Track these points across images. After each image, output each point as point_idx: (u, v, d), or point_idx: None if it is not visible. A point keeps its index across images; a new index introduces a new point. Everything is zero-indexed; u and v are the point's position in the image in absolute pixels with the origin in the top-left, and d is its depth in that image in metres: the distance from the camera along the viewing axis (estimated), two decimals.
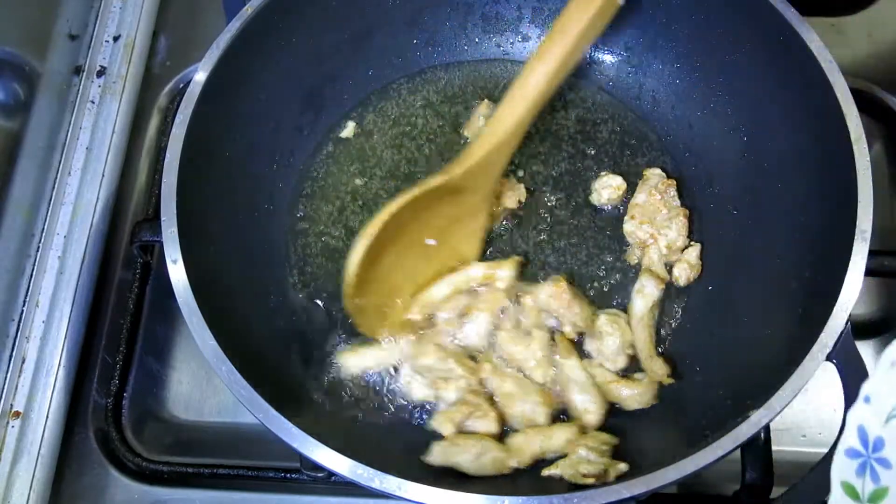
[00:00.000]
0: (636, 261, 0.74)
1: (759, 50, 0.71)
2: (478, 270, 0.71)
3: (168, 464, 0.73)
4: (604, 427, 0.66)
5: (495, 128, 0.66)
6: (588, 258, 0.75)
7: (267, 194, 0.76)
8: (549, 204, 0.77)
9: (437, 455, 0.62)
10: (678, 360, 0.70)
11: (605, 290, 0.74)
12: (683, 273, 0.72)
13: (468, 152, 0.67)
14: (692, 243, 0.74)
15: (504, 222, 0.76)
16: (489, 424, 0.64)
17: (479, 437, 0.63)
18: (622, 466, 0.58)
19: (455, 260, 0.72)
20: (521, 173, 0.79)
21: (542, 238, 0.76)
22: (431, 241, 0.70)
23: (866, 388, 0.52)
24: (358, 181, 0.79)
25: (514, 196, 0.75)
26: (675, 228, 0.73)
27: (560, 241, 0.76)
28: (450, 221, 0.70)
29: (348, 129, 0.80)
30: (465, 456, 0.61)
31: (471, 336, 0.68)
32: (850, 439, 0.52)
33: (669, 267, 0.73)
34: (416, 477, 0.53)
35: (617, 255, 0.75)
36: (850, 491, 0.53)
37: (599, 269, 0.75)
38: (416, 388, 0.68)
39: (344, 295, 0.66)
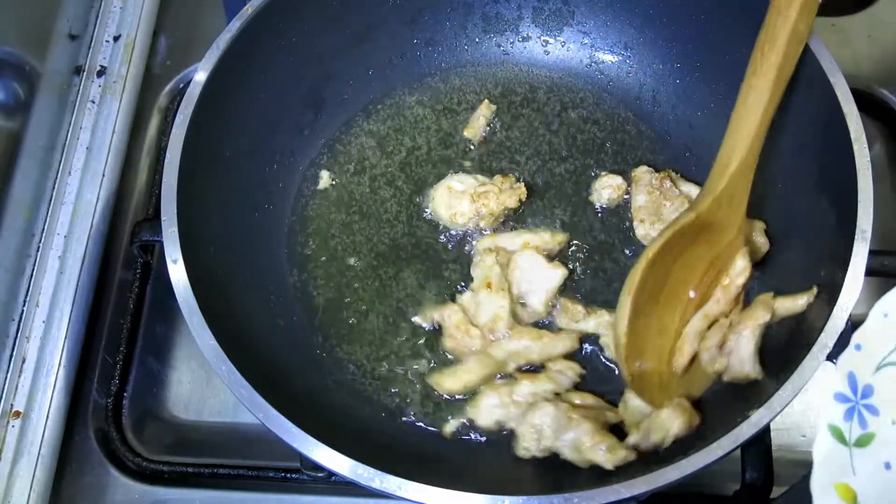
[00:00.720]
0: None
1: None
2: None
3: (168, 464, 0.73)
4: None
5: (731, 152, 0.63)
6: (590, 258, 0.75)
7: (267, 194, 0.76)
8: (549, 203, 0.77)
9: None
10: None
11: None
12: None
13: (711, 183, 0.63)
14: None
15: (504, 222, 0.76)
16: None
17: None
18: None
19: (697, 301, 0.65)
20: (520, 173, 0.79)
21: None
22: (693, 294, 0.64)
23: (857, 337, 0.53)
24: (358, 180, 0.79)
25: (514, 195, 0.75)
26: None
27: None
28: (707, 266, 0.64)
29: (323, 180, 0.79)
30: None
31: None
32: (840, 385, 0.53)
33: None
34: (416, 477, 0.53)
35: (620, 251, 0.75)
36: (838, 434, 0.55)
37: (605, 268, 0.75)
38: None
39: (619, 359, 0.61)
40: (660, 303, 0.62)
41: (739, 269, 0.64)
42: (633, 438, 0.62)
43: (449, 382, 0.67)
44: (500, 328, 0.68)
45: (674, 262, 0.62)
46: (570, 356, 0.69)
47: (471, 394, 0.68)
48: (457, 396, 0.68)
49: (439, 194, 0.76)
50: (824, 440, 0.57)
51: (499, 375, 0.68)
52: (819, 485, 0.58)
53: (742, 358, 0.62)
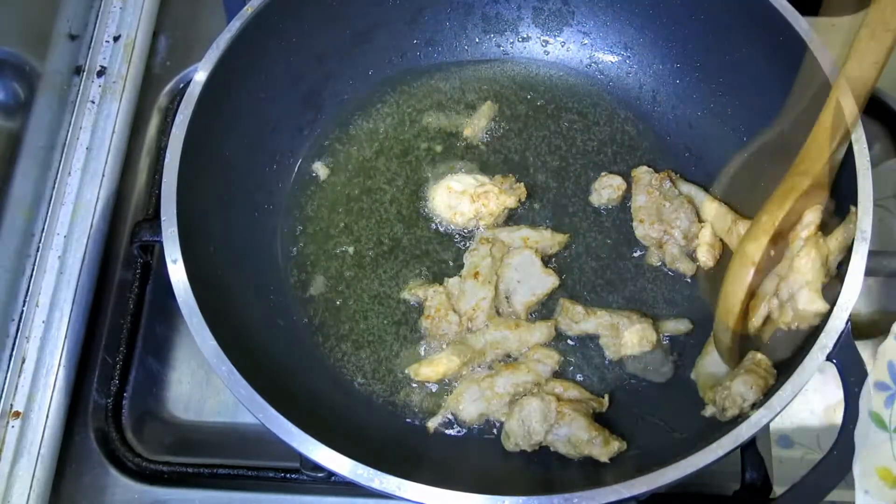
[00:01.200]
0: (658, 261, 0.74)
1: (759, 50, 0.71)
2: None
3: (168, 464, 0.73)
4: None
5: (840, 116, 0.62)
6: (588, 258, 0.75)
7: (267, 194, 0.76)
8: (548, 203, 0.77)
9: None
10: (679, 360, 0.70)
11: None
12: (707, 255, 0.71)
13: (818, 146, 0.62)
14: (702, 224, 0.73)
15: (504, 222, 0.76)
16: None
17: None
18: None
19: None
20: (520, 173, 0.79)
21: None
22: (773, 252, 0.62)
23: None
24: (358, 180, 0.79)
25: (514, 195, 0.75)
26: (684, 216, 0.72)
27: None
28: (796, 220, 0.62)
29: (324, 180, 0.79)
30: None
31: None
32: (881, 373, 0.53)
33: (692, 255, 0.73)
34: (416, 477, 0.53)
35: (619, 251, 0.75)
36: (879, 420, 0.57)
37: (605, 268, 0.75)
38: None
39: (723, 333, 0.60)
40: (762, 268, 0.60)
41: (806, 223, 0.62)
42: (708, 411, 0.61)
43: (426, 370, 0.68)
44: (479, 318, 0.69)
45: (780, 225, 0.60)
46: (547, 345, 0.70)
47: (447, 384, 0.69)
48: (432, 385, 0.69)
49: (439, 194, 0.76)
50: (865, 426, 0.58)
51: (478, 366, 0.68)
52: (861, 468, 0.60)
53: (807, 297, 0.60)
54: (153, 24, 0.93)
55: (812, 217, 0.62)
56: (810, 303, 0.59)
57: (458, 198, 0.75)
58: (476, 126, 0.80)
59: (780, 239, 0.60)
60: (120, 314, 0.79)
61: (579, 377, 0.70)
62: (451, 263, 0.75)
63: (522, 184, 0.76)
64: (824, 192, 0.62)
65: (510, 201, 0.74)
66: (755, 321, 0.61)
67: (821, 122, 0.62)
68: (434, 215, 0.76)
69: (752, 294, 0.59)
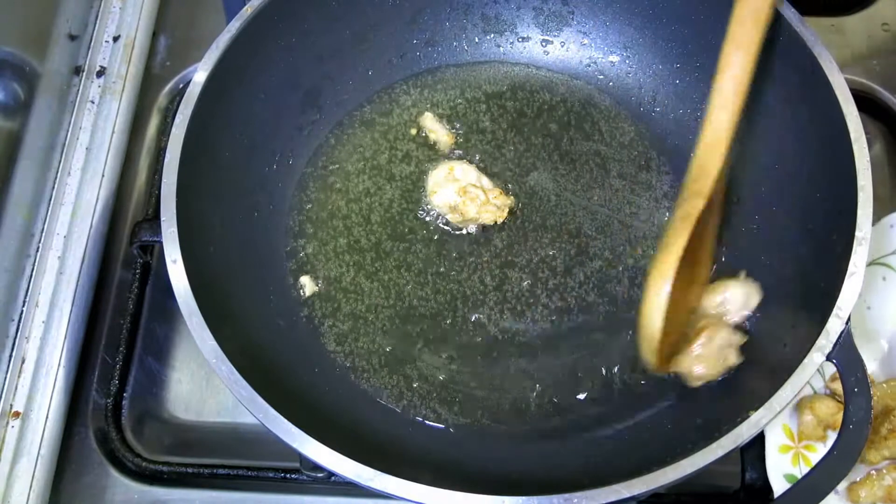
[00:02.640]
0: None
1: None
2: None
3: (168, 464, 0.73)
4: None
5: (721, 127, 0.65)
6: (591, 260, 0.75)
7: (267, 194, 0.76)
8: (547, 208, 0.77)
9: None
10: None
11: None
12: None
13: (707, 164, 0.64)
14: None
15: (496, 232, 0.76)
16: None
17: None
18: None
19: (700, 270, 0.68)
20: (514, 175, 0.79)
21: (545, 247, 0.76)
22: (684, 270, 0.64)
23: None
24: (358, 180, 0.79)
25: (493, 214, 0.75)
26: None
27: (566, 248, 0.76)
28: (697, 236, 0.65)
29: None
30: None
31: None
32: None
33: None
34: (416, 477, 0.53)
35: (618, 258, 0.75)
36: (786, 431, 0.67)
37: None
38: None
39: (644, 351, 0.62)
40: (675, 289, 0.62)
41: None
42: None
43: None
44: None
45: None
46: None
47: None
48: None
49: (439, 171, 0.76)
50: (780, 489, 0.64)
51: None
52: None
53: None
54: (153, 24, 0.93)
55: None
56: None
57: (451, 182, 0.75)
58: (441, 138, 0.80)
59: (691, 260, 0.62)
60: (120, 314, 0.79)
61: None
62: (453, 258, 0.75)
63: (509, 206, 0.76)
64: (718, 201, 0.66)
65: (486, 216, 0.74)
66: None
67: (704, 139, 0.65)
68: (426, 200, 0.77)
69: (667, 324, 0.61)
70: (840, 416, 0.66)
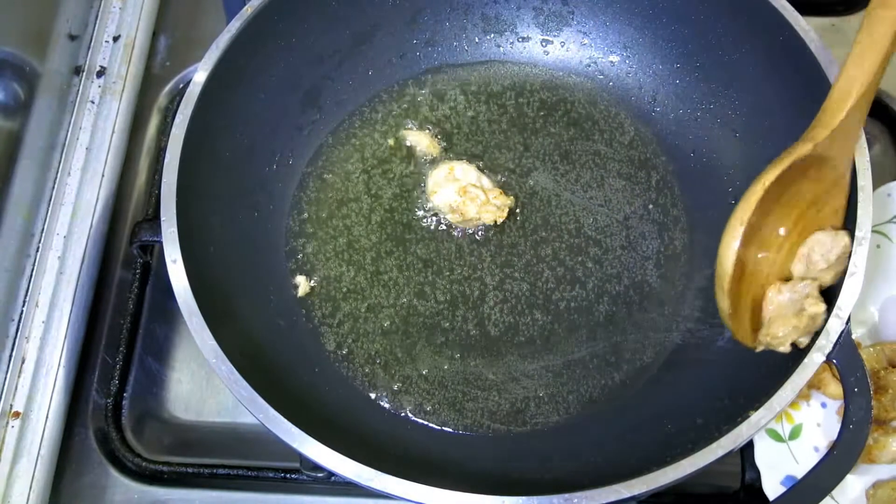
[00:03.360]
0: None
1: (759, 50, 0.71)
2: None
3: (168, 464, 0.73)
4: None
5: (851, 83, 0.59)
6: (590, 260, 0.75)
7: (267, 194, 0.76)
8: (547, 208, 0.77)
9: None
10: (676, 363, 0.70)
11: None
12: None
13: (827, 114, 0.59)
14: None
15: (496, 233, 0.76)
16: None
17: None
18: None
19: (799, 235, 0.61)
20: (515, 175, 0.79)
21: (544, 244, 0.76)
22: (783, 232, 0.60)
23: None
24: (358, 180, 0.79)
25: (493, 214, 0.74)
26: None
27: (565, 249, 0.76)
28: (807, 205, 0.61)
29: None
30: None
31: None
32: None
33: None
34: (416, 477, 0.53)
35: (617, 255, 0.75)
36: (774, 435, 0.68)
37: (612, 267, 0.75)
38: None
39: (721, 289, 0.58)
40: (762, 237, 0.59)
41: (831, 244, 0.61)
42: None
43: None
44: None
45: (780, 196, 0.59)
46: None
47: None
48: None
49: (439, 170, 0.77)
50: (764, 446, 0.65)
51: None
52: (771, 487, 0.65)
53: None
54: (153, 24, 0.93)
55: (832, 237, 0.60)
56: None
57: (450, 182, 0.75)
58: (425, 146, 0.80)
59: (777, 206, 0.59)
60: (120, 314, 0.79)
61: None
62: (452, 258, 0.75)
63: (509, 206, 0.76)
64: (836, 172, 0.60)
65: (486, 216, 0.74)
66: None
67: (833, 90, 0.60)
68: (426, 200, 0.77)
69: (746, 259, 0.58)
70: (825, 377, 0.69)
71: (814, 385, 0.69)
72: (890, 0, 0.58)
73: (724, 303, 0.58)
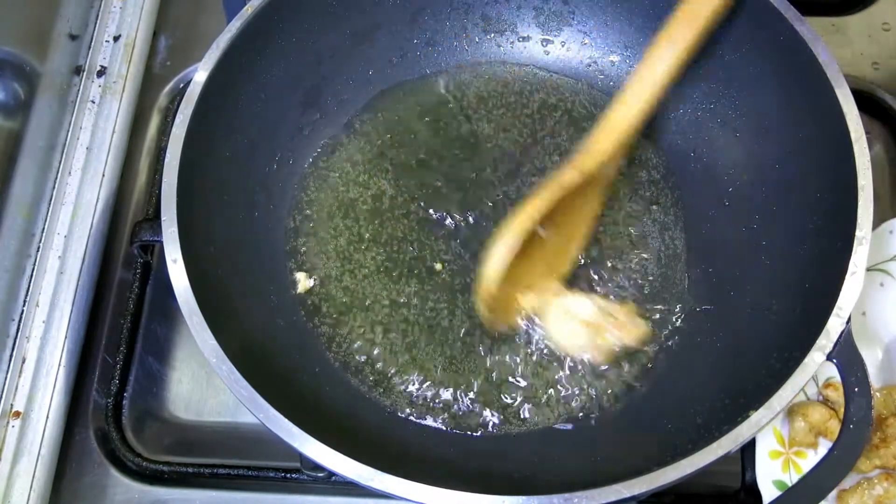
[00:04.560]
0: None
1: (759, 50, 0.71)
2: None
3: (168, 464, 0.73)
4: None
5: (623, 114, 0.64)
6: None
7: (267, 194, 0.76)
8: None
9: None
10: (676, 363, 0.70)
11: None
12: None
13: (598, 144, 0.65)
14: None
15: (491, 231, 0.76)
16: None
17: None
18: None
19: (565, 245, 0.69)
20: (516, 175, 0.79)
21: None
22: (541, 230, 0.65)
23: None
24: (359, 180, 0.79)
25: (634, 334, 0.71)
26: None
27: None
28: (564, 207, 0.66)
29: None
30: None
31: None
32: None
33: None
34: (416, 477, 0.53)
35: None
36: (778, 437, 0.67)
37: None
38: None
39: (478, 296, 0.65)
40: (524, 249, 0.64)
41: None
42: None
43: None
44: None
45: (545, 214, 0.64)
46: None
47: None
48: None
49: (554, 316, 0.68)
50: (769, 493, 0.64)
51: None
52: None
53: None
54: (153, 24, 0.93)
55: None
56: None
57: (577, 325, 0.68)
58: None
59: (547, 224, 0.64)
60: (120, 314, 0.79)
61: None
62: (452, 256, 0.75)
63: (645, 321, 0.70)
64: (601, 185, 0.67)
65: (628, 338, 0.67)
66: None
67: (605, 119, 0.65)
68: (546, 336, 0.71)
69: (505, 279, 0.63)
70: (832, 424, 0.66)
71: (821, 432, 0.67)
72: (678, 38, 0.64)
73: (483, 311, 0.65)
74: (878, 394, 0.68)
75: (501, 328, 0.68)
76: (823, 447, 0.68)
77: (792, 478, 0.67)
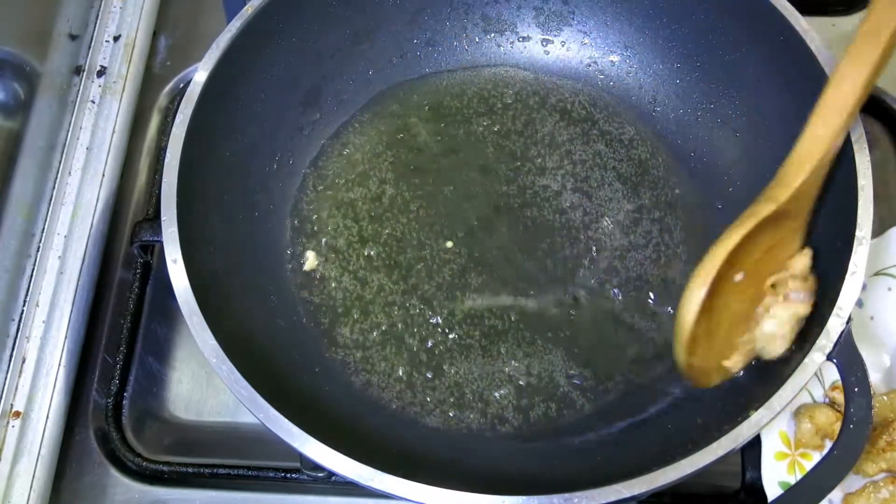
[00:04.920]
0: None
1: (759, 50, 0.71)
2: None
3: (168, 464, 0.73)
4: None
5: (815, 142, 0.59)
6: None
7: (267, 194, 0.76)
8: (546, 207, 0.77)
9: None
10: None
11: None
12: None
13: (790, 173, 0.60)
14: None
15: (491, 233, 0.76)
16: None
17: None
18: None
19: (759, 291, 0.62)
20: (515, 174, 0.79)
21: (545, 246, 0.76)
22: (740, 277, 0.60)
23: None
24: (359, 181, 0.79)
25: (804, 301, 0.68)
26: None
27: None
28: (763, 252, 0.61)
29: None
30: None
31: None
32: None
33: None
34: (416, 477, 0.53)
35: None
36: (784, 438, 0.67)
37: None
38: None
39: (677, 354, 0.59)
40: (721, 292, 0.59)
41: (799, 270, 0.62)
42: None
43: None
44: None
45: (743, 252, 0.59)
46: None
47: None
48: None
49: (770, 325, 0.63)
50: (774, 493, 0.64)
51: None
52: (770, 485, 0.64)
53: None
54: (153, 23, 0.93)
55: (804, 262, 0.61)
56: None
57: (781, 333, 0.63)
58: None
59: (742, 266, 0.59)
60: (120, 314, 0.79)
61: None
62: (450, 258, 0.75)
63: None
64: (796, 222, 0.61)
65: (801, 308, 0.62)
66: (738, 358, 0.62)
67: (796, 148, 0.60)
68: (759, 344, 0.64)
69: (705, 318, 0.58)
70: (839, 426, 0.66)
71: (827, 435, 0.67)
72: (861, 55, 0.58)
73: (681, 357, 0.59)
74: (885, 397, 0.68)
75: (704, 383, 0.62)
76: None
77: (798, 479, 0.66)
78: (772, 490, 0.65)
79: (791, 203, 0.59)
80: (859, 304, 0.71)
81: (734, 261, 0.58)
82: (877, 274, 0.72)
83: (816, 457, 0.68)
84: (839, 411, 0.67)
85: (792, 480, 0.66)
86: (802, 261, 0.62)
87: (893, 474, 0.66)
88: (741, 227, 0.58)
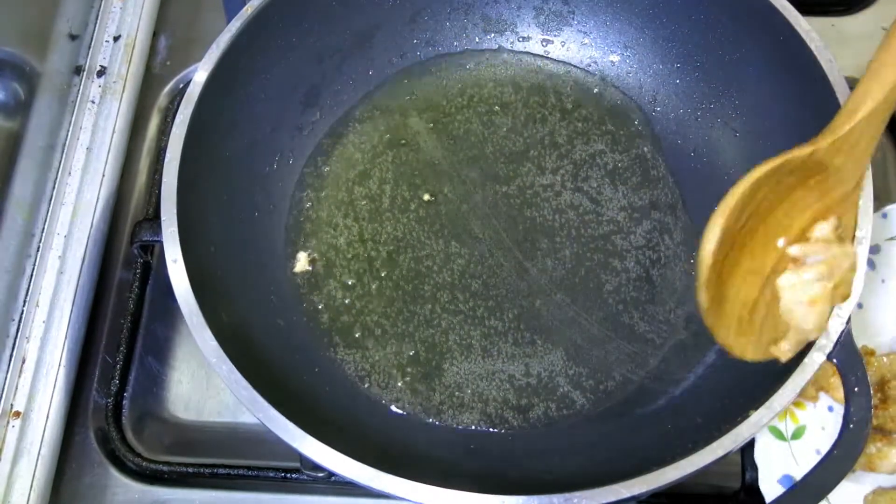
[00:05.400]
0: None
1: (759, 50, 0.71)
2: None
3: (168, 464, 0.73)
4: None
5: (865, 94, 0.55)
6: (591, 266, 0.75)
7: (267, 194, 0.76)
8: (547, 207, 0.77)
9: None
10: (675, 363, 0.70)
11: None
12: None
13: (837, 122, 0.55)
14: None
15: (491, 233, 0.76)
16: None
17: None
18: None
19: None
20: (515, 175, 0.79)
21: (545, 246, 0.76)
22: (782, 243, 0.56)
23: None
24: (359, 181, 0.79)
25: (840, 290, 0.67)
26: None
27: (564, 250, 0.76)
28: (810, 219, 0.57)
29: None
30: None
31: None
32: None
33: None
34: (416, 477, 0.53)
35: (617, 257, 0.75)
36: (776, 432, 0.67)
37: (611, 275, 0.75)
38: None
39: (699, 282, 0.53)
40: (754, 240, 0.55)
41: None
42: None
43: None
44: None
45: (779, 202, 0.55)
46: None
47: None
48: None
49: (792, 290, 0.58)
50: (765, 443, 0.64)
51: None
52: (768, 485, 0.65)
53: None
54: (153, 23, 0.93)
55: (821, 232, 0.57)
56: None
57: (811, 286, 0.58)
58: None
59: (776, 214, 0.55)
60: (120, 314, 0.79)
61: None
62: (450, 258, 0.75)
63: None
64: (843, 187, 0.57)
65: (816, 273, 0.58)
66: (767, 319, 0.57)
67: (850, 97, 0.56)
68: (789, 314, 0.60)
69: (723, 256, 0.54)
70: (834, 381, 0.68)
71: (822, 387, 0.68)
72: None
73: (702, 296, 0.54)
74: (884, 357, 0.69)
75: (730, 341, 0.56)
76: (823, 401, 0.69)
77: (787, 427, 0.68)
78: (761, 446, 0.67)
79: (834, 154, 0.55)
80: (871, 265, 0.72)
81: (772, 211, 0.54)
82: (890, 239, 0.73)
83: (810, 407, 0.69)
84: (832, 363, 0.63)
85: (782, 427, 0.68)
86: (823, 226, 0.57)
87: (884, 432, 0.67)
88: (773, 159, 0.54)
